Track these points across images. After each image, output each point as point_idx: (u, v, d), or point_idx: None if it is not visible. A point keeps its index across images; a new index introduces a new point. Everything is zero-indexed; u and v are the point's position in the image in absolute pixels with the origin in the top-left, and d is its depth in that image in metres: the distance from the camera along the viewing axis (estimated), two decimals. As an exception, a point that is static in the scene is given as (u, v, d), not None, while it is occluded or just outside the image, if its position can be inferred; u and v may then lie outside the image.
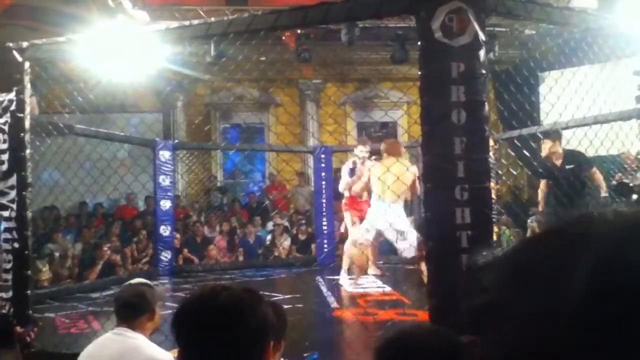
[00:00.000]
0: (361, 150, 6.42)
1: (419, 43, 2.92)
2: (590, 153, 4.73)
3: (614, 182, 6.72)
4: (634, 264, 0.40)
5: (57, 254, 7.50)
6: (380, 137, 10.75)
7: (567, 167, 5.63)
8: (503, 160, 7.24)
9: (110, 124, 8.19)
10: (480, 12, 2.87)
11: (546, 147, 5.77)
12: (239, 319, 1.25)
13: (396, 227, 5.47)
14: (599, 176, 5.67)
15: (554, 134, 5.71)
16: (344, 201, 6.79)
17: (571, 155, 5.62)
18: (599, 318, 0.39)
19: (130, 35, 3.73)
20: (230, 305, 1.26)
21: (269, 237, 9.42)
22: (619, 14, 4.96)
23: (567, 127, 5.30)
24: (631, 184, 5.13)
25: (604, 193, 5.62)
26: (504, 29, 8.29)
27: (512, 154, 6.73)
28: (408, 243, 5.42)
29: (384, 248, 9.04)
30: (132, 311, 2.30)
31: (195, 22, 3.32)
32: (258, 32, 3.23)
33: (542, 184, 6.14)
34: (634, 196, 4.69)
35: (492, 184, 6.44)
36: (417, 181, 5.62)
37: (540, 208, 6.29)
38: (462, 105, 2.81)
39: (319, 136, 9.99)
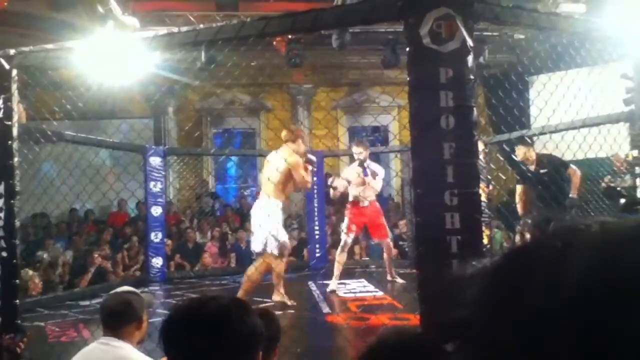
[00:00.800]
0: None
1: (407, 49, 2.93)
2: (579, 156, 4.76)
3: (603, 185, 6.76)
4: (615, 284, 0.39)
5: (47, 261, 7.45)
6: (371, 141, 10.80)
7: (541, 171, 5.79)
8: (492, 165, 7.28)
9: (100, 131, 8.17)
10: (468, 18, 2.89)
11: (520, 152, 5.94)
12: (226, 329, 1.25)
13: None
14: (575, 176, 5.74)
15: (527, 141, 5.90)
16: (347, 206, 6.71)
17: (545, 159, 5.78)
18: (584, 348, 0.38)
19: (119, 43, 3.72)
20: (218, 315, 1.26)
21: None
22: (607, 18, 5.01)
23: (555, 131, 5.33)
24: (619, 188, 5.17)
25: (572, 194, 5.70)
26: (493, 34, 8.34)
27: (501, 158, 6.79)
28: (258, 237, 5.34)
29: (376, 252, 9.07)
30: (118, 320, 2.27)
31: (184, 29, 3.31)
32: (247, 39, 3.23)
33: (519, 189, 6.33)
34: (622, 200, 4.72)
35: (483, 187, 6.47)
36: (296, 170, 5.21)
37: (519, 212, 6.37)
38: (451, 110, 2.82)
39: (310, 141, 10.00)
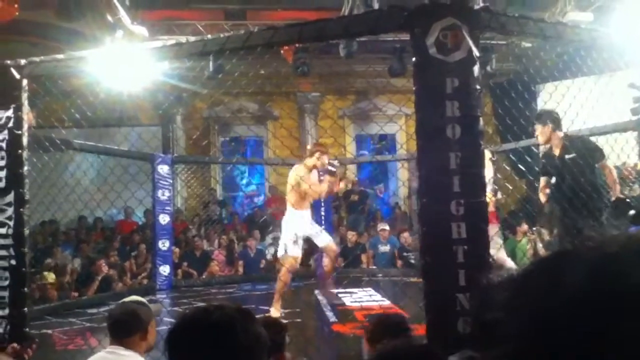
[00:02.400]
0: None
1: (414, 59, 2.95)
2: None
3: (612, 199, 6.70)
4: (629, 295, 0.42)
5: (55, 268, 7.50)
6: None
7: (567, 157, 4.54)
8: (498, 175, 7.25)
9: (109, 139, 8.22)
10: (474, 28, 2.90)
11: (537, 132, 4.76)
12: (231, 339, 1.25)
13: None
14: (610, 174, 4.63)
15: (543, 116, 4.68)
16: None
17: (572, 142, 4.56)
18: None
19: (128, 52, 3.76)
20: (222, 324, 1.26)
21: (271, 250, 9.39)
22: (614, 27, 5.00)
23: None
24: (628, 199, 5.04)
25: (608, 196, 4.62)
26: (500, 42, 8.35)
27: (507, 168, 6.73)
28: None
29: (382, 261, 9.05)
30: (124, 330, 2.29)
31: (192, 39, 3.35)
32: (254, 49, 3.26)
33: (542, 181, 4.92)
34: (631, 212, 4.62)
35: (490, 196, 6.43)
36: (299, 186, 5.51)
37: (541, 204, 5.22)
38: (457, 120, 2.82)
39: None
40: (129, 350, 2.23)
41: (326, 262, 6.22)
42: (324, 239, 5.82)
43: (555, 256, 0.50)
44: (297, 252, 5.62)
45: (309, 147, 6.03)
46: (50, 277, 6.79)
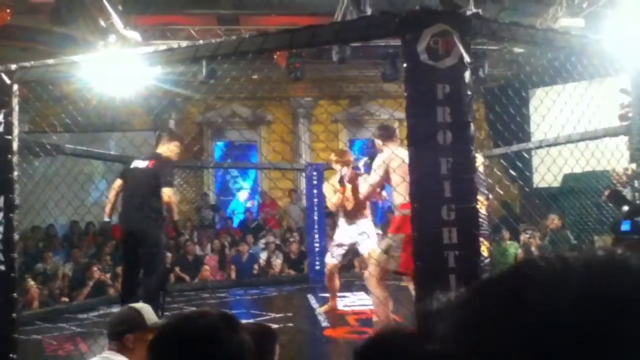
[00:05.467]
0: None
1: (405, 65, 2.96)
2: (577, 170, 4.75)
3: (607, 191, 6.72)
4: (610, 302, 0.40)
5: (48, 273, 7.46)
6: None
7: None
8: (489, 180, 7.27)
9: (101, 143, 8.18)
10: (465, 35, 2.91)
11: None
12: (214, 347, 1.25)
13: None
14: None
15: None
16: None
17: None
18: None
19: (120, 57, 3.75)
20: (206, 332, 1.26)
21: (264, 255, 9.38)
22: (605, 33, 5.04)
23: (554, 144, 5.34)
24: (623, 193, 5.06)
25: None
26: (492, 48, 8.39)
27: (499, 172, 6.74)
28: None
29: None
30: (118, 336, 2.30)
31: (184, 44, 3.34)
32: (246, 54, 3.26)
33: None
34: (625, 207, 4.65)
35: (482, 201, 6.42)
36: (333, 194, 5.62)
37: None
38: (448, 126, 2.83)
39: (311, 154, 10.01)
40: (124, 355, 2.23)
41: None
42: (363, 248, 5.66)
43: (492, 283, 0.48)
44: (332, 259, 5.76)
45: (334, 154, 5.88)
46: (30, 283, 6.70)
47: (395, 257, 4.33)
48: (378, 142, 4.74)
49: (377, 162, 4.55)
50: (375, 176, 4.57)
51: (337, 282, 5.90)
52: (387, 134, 4.75)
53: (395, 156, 4.19)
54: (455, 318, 0.46)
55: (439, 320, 0.47)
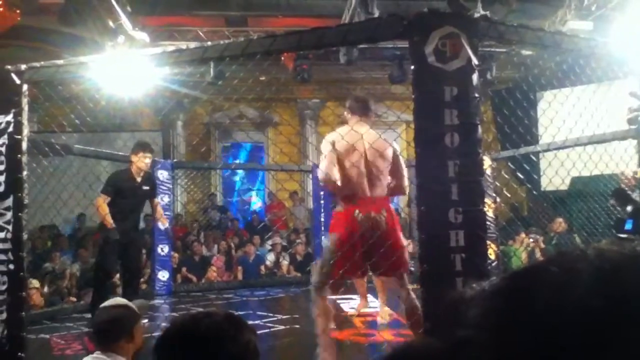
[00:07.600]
0: None
1: (412, 67, 2.95)
2: (585, 173, 4.73)
3: (612, 202, 6.71)
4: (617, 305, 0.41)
5: (54, 273, 7.49)
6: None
7: None
8: (497, 183, 7.24)
9: (109, 143, 8.22)
10: (472, 37, 2.91)
11: None
12: (219, 347, 1.25)
13: None
14: None
15: None
16: None
17: None
18: None
19: (128, 58, 3.77)
20: (211, 332, 1.26)
21: (271, 256, 9.38)
22: (613, 36, 5.01)
23: (562, 147, 5.32)
24: (628, 192, 5.07)
25: None
26: (500, 50, 8.37)
27: (506, 175, 6.71)
28: None
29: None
30: (109, 337, 2.28)
31: (192, 45, 3.36)
32: (254, 56, 3.27)
33: None
34: (629, 207, 4.66)
35: (490, 203, 6.38)
36: None
37: None
38: (456, 128, 2.83)
39: (318, 155, 9.99)
40: (115, 355, 2.23)
41: None
42: None
43: (526, 272, 0.48)
44: None
45: None
46: (32, 282, 6.71)
47: (326, 262, 3.68)
48: (346, 113, 4.15)
49: (324, 141, 3.84)
50: (322, 159, 3.83)
51: (359, 282, 5.82)
52: (356, 106, 4.12)
53: (341, 138, 3.64)
54: (489, 305, 0.47)
55: (471, 307, 0.47)
